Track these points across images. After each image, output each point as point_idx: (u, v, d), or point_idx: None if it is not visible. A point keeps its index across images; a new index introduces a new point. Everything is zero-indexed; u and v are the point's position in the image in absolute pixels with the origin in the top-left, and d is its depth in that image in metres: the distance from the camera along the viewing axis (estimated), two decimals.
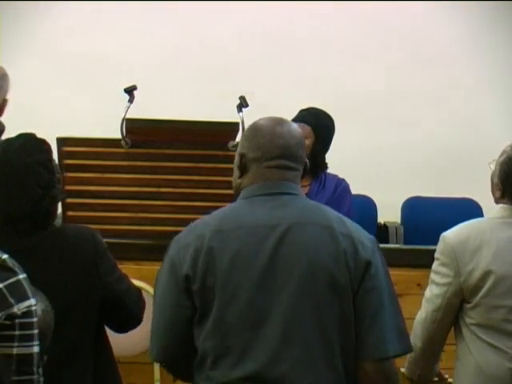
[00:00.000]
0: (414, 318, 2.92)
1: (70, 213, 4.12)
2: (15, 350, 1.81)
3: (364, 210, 5.66)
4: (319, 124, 3.81)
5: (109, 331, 2.64)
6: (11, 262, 1.85)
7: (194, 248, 2.24)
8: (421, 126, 6.20)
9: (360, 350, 2.23)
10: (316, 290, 2.21)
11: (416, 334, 2.87)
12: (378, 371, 2.25)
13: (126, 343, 2.88)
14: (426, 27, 6.25)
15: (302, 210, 2.31)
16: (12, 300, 1.81)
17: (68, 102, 6.01)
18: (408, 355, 2.92)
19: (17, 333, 1.82)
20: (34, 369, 1.85)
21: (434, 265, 2.83)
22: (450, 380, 2.99)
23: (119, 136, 4.23)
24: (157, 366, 3.80)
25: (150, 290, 3.53)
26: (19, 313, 1.81)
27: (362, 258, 2.25)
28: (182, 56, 6.12)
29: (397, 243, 5.61)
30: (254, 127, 2.40)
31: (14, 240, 1.93)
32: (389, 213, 5.80)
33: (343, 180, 3.84)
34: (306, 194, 3.64)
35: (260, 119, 2.42)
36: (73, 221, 3.83)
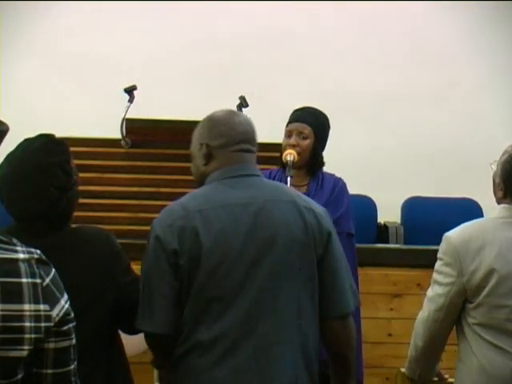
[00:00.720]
0: (414, 318, 2.92)
1: None
2: (73, 341, 1.87)
3: (364, 210, 5.65)
4: (318, 124, 3.81)
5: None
6: (44, 256, 1.86)
7: (178, 227, 2.44)
8: (421, 126, 6.20)
9: (326, 309, 2.52)
10: (290, 259, 2.47)
11: (417, 332, 2.87)
12: (343, 327, 2.55)
13: (126, 343, 2.87)
14: (426, 27, 6.25)
15: (268, 189, 2.59)
16: (58, 294, 1.83)
17: (68, 101, 6.02)
18: (409, 354, 2.92)
19: (71, 325, 1.86)
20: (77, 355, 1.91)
21: (437, 265, 2.83)
22: (450, 380, 2.98)
23: (119, 136, 4.24)
24: None
25: None
26: (68, 306, 1.84)
27: (324, 229, 2.54)
28: (182, 56, 6.12)
29: (397, 243, 5.61)
30: (213, 118, 2.64)
31: (29, 241, 1.92)
32: (389, 213, 5.80)
33: (340, 179, 3.84)
34: (305, 194, 3.66)
35: (214, 112, 2.66)
36: (73, 221, 3.82)
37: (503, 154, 2.82)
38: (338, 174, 3.89)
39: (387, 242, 5.59)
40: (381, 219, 5.79)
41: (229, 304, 2.42)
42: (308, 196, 3.64)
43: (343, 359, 2.59)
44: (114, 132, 4.26)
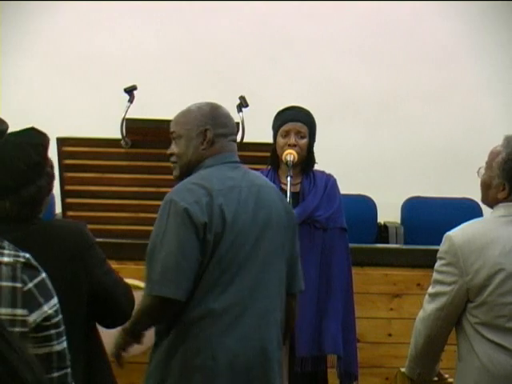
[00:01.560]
0: (414, 318, 2.91)
1: (70, 213, 4.12)
2: (54, 348, 1.85)
3: (364, 209, 5.66)
4: (311, 122, 3.82)
5: (102, 329, 2.62)
6: (34, 261, 1.84)
7: (205, 203, 2.70)
8: (421, 126, 6.20)
9: (289, 287, 2.89)
10: (279, 238, 2.84)
11: (418, 331, 2.86)
12: (296, 303, 2.98)
13: None
14: (426, 27, 6.25)
15: (255, 176, 2.92)
16: (41, 299, 1.81)
17: (68, 102, 6.02)
18: (409, 353, 2.92)
19: (53, 331, 1.84)
20: (68, 362, 1.88)
21: (438, 264, 2.82)
22: (450, 380, 2.98)
23: (119, 136, 4.23)
24: None
25: None
26: (52, 312, 1.82)
27: (294, 213, 2.98)
28: (182, 56, 6.12)
29: (397, 243, 5.61)
30: (213, 109, 2.92)
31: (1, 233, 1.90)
32: (389, 213, 5.80)
33: (330, 175, 3.85)
34: (299, 192, 3.69)
35: (211, 103, 2.95)
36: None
37: (497, 155, 2.82)
38: (338, 174, 3.90)
39: (387, 242, 5.59)
40: (381, 219, 5.80)
41: (235, 275, 2.72)
42: (302, 194, 3.70)
43: (289, 327, 2.97)
44: (114, 132, 4.26)
